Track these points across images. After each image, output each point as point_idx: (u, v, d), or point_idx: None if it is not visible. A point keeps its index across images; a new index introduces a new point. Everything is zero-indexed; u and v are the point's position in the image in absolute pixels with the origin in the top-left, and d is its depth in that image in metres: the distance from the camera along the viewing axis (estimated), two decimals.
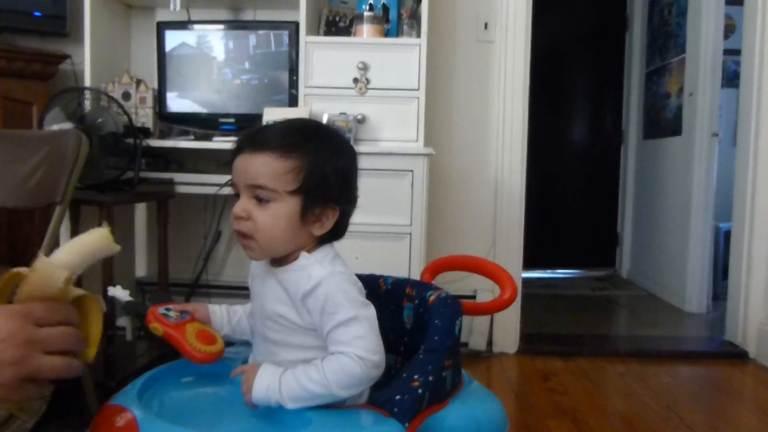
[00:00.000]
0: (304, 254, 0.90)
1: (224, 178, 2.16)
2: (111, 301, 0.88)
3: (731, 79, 3.88)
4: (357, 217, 1.96)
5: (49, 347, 0.67)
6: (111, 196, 1.95)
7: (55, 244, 1.45)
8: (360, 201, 1.97)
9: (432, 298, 1.03)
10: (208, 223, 2.61)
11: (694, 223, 3.30)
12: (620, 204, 4.43)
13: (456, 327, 0.99)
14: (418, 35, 2.14)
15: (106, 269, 1.91)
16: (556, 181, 4.54)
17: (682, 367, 2.47)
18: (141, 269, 2.68)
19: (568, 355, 2.50)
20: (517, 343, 2.57)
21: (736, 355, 2.57)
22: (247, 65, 2.28)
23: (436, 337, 0.96)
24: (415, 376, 0.90)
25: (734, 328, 2.66)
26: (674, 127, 3.56)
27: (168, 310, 0.93)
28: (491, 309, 1.19)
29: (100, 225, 0.76)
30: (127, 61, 2.50)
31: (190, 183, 2.16)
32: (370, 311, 0.89)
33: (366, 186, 1.96)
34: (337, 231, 0.94)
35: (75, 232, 2.08)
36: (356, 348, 0.84)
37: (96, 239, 0.75)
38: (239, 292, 2.64)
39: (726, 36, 3.41)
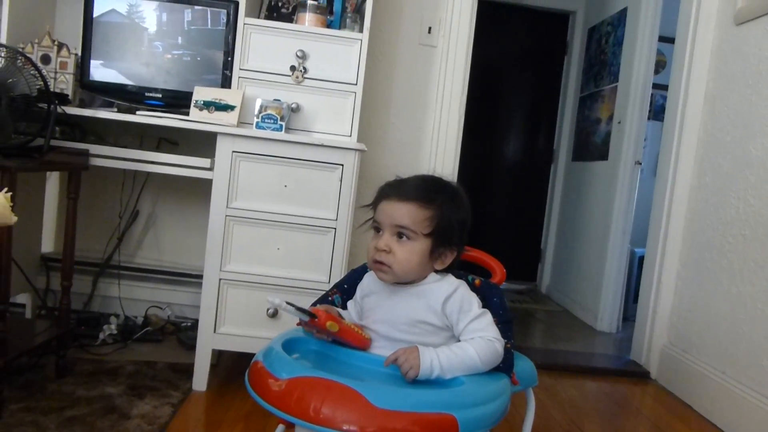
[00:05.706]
0: (433, 274, 1.15)
1: (146, 155, 2.07)
2: (276, 310, 1.03)
3: (658, 112, 4.07)
4: (282, 208, 1.93)
5: None
6: (16, 161, 1.81)
7: None
8: (286, 192, 1.93)
9: (477, 281, 1.26)
10: (125, 202, 2.49)
11: (612, 246, 3.42)
12: (546, 221, 4.55)
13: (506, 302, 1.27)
14: (361, 30, 2.11)
15: (5, 241, 1.76)
16: (486, 193, 4.62)
17: (589, 382, 2.55)
18: (48, 245, 2.52)
19: None
20: None
21: (639, 375, 2.67)
22: (180, 40, 2.19)
23: (500, 312, 1.20)
24: (504, 341, 1.15)
25: (639, 349, 2.77)
26: (601, 152, 3.69)
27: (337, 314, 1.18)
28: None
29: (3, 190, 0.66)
30: (50, 23, 2.35)
31: (107, 156, 2.03)
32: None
33: (294, 177, 1.93)
34: (449, 267, 1.17)
35: None
36: (491, 333, 1.10)
37: None
38: (154, 276, 2.52)
39: (656, 71, 3.57)
